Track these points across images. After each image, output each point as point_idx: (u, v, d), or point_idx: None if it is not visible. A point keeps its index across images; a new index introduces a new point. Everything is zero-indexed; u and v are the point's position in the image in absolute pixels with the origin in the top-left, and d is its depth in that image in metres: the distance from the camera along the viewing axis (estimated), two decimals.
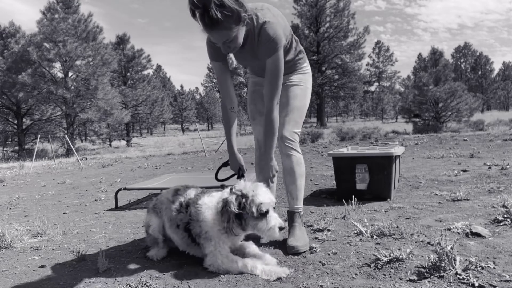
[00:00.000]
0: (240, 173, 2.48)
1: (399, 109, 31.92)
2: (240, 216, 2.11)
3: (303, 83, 2.64)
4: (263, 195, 2.10)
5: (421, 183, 4.51)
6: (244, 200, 2.10)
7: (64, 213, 4.22)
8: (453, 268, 1.92)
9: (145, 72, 38.78)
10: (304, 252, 2.40)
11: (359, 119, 68.78)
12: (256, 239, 2.64)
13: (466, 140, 10.42)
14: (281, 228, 2.10)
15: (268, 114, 2.32)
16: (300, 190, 2.61)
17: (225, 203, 2.13)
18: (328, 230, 2.77)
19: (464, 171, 5.11)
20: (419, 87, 22.63)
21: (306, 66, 2.70)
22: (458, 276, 1.87)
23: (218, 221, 2.17)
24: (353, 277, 1.98)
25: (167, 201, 2.44)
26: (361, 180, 3.77)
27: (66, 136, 20.77)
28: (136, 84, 36.42)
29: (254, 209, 2.07)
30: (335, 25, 39.64)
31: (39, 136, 16.28)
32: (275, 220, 2.10)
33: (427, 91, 22.15)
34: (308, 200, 4.01)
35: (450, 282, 1.82)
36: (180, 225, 2.32)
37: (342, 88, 43.02)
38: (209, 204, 2.24)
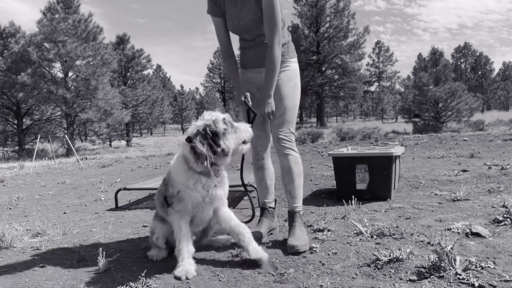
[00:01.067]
0: (245, 101, 2.52)
1: (399, 109, 31.93)
2: (214, 142, 2.08)
3: (292, 81, 2.65)
4: (222, 115, 2.14)
5: (421, 183, 4.51)
6: (211, 126, 2.09)
7: (64, 213, 4.22)
8: (453, 268, 1.92)
9: (145, 72, 38.76)
10: (304, 251, 2.40)
11: (359, 119, 68.73)
12: (257, 240, 2.64)
13: (466, 140, 10.42)
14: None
15: (269, 53, 2.43)
16: (299, 189, 2.63)
17: (199, 136, 2.09)
18: (328, 230, 2.77)
19: (464, 171, 5.11)
20: (419, 87, 22.63)
21: (294, 62, 2.69)
22: (458, 276, 1.87)
23: (189, 171, 2.16)
24: (353, 277, 1.98)
25: (157, 193, 2.47)
26: (361, 180, 3.77)
27: (66, 136, 20.77)
28: (136, 84, 36.38)
29: (221, 126, 2.09)
30: (335, 25, 39.63)
31: (39, 136, 16.26)
32: (242, 132, 2.16)
33: (427, 91, 22.14)
34: (308, 200, 4.01)
35: (450, 282, 1.82)
36: (162, 200, 2.35)
37: (342, 88, 42.99)
38: (175, 159, 2.27)
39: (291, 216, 2.62)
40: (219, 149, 2.08)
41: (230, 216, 2.32)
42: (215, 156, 2.10)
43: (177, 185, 2.21)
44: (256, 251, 2.20)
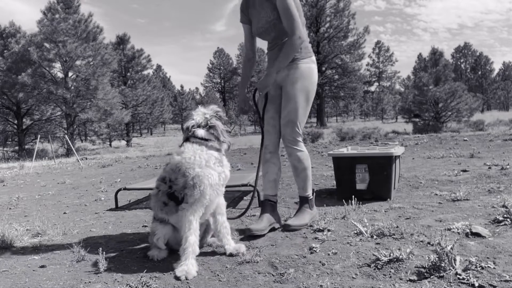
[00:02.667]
0: (253, 97, 2.91)
1: (399, 109, 31.92)
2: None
3: (298, 83, 2.78)
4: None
5: (421, 183, 4.51)
6: (218, 112, 2.44)
7: (64, 213, 4.22)
8: (453, 268, 1.92)
9: (145, 72, 38.78)
10: (298, 229, 2.79)
11: (359, 119, 68.67)
12: (258, 233, 2.65)
13: (466, 140, 10.42)
14: None
15: (289, 40, 2.66)
16: (305, 181, 2.92)
17: (213, 118, 2.37)
18: (328, 230, 2.77)
19: (464, 171, 5.11)
20: (419, 87, 22.63)
21: (304, 63, 2.80)
22: (458, 276, 1.87)
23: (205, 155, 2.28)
24: (353, 277, 1.98)
25: (154, 196, 2.47)
26: (361, 180, 3.77)
27: (66, 136, 20.76)
28: (136, 84, 36.39)
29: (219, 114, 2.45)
30: (335, 25, 39.64)
31: (39, 136, 16.25)
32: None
33: (427, 91, 22.14)
34: None
35: (450, 282, 1.82)
36: (165, 199, 2.36)
37: (342, 88, 43.02)
38: (187, 149, 2.31)
39: (300, 201, 2.99)
40: (228, 129, 2.43)
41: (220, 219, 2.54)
42: (228, 134, 2.41)
43: (193, 171, 2.23)
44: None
